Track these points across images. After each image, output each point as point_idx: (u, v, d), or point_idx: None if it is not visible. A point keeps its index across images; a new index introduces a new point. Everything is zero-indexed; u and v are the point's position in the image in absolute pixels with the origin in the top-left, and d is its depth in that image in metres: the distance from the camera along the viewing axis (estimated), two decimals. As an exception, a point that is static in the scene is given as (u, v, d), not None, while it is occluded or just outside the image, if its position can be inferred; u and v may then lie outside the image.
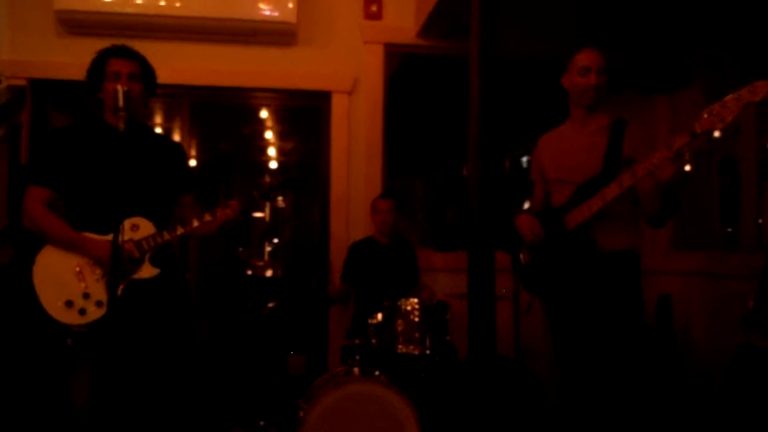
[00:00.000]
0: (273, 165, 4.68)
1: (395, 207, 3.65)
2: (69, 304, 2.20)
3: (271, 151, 4.70)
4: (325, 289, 3.92)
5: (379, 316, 3.00)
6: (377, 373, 2.66)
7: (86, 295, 2.22)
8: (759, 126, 3.54)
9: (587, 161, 2.37)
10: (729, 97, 1.98)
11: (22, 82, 3.74)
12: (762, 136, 3.56)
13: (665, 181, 2.12)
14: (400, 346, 2.92)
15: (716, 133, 2.08)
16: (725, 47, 3.70)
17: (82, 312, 2.20)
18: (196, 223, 2.31)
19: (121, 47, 2.36)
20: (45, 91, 3.84)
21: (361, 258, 3.67)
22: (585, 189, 2.33)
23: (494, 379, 2.80)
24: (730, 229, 3.88)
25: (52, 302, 2.20)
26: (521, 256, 2.62)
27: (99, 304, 2.21)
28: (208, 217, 2.32)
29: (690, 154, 4.03)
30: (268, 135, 4.67)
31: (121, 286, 2.18)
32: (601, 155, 2.35)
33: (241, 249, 4.47)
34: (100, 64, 2.32)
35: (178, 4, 3.66)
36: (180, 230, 2.30)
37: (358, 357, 2.81)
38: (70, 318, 2.20)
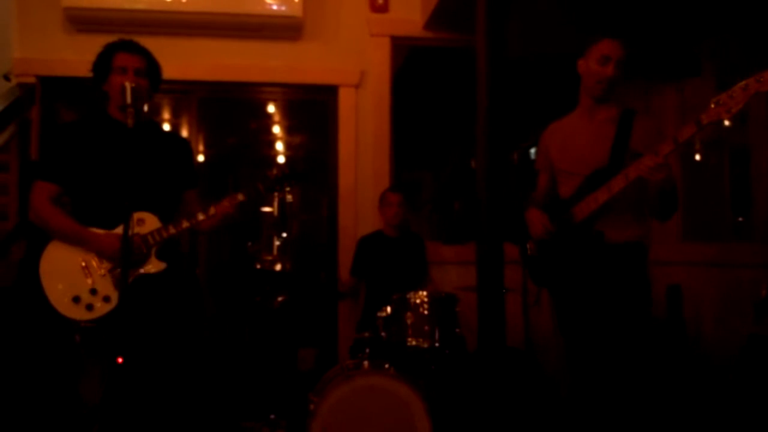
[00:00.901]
0: (281, 159, 4.69)
1: (404, 200, 3.66)
2: (76, 299, 2.21)
3: (279, 146, 4.70)
4: (334, 283, 3.93)
5: (389, 309, 3.01)
6: (387, 366, 2.67)
7: (93, 291, 2.23)
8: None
9: (595, 152, 2.35)
10: (736, 86, 1.95)
11: (32, 80, 3.77)
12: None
13: (656, 184, 2.13)
14: (409, 339, 2.92)
15: (726, 122, 2.05)
16: (735, 35, 3.66)
17: (90, 308, 2.21)
18: (201, 217, 2.32)
19: (128, 42, 2.36)
20: (54, 88, 3.86)
21: (370, 252, 3.67)
22: (592, 180, 2.32)
23: (503, 371, 2.80)
24: (741, 219, 3.85)
25: (59, 298, 2.21)
26: (528, 247, 2.61)
27: (106, 299, 2.22)
28: (212, 211, 2.33)
29: (699, 144, 4.00)
30: (276, 129, 4.68)
31: (129, 281, 2.19)
32: (608, 147, 2.33)
33: (250, 243, 4.48)
34: (106, 57, 2.33)
35: (184, 0, 3.67)
36: (185, 224, 2.30)
37: (367, 350, 2.82)
38: (78, 314, 2.21)
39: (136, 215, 2.26)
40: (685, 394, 3.24)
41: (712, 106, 1.99)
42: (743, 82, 1.94)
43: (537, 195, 2.67)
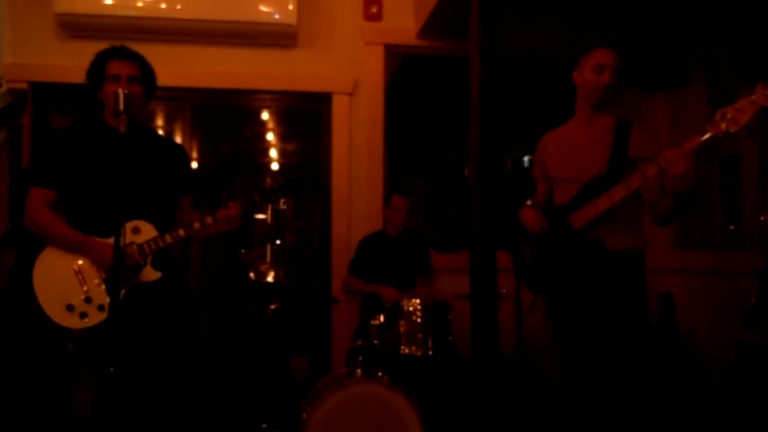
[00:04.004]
0: (275, 166, 4.69)
1: (410, 205, 3.71)
2: (70, 308, 2.19)
3: (273, 153, 4.70)
4: (327, 290, 3.92)
5: (382, 317, 3.00)
6: (380, 374, 2.66)
7: (88, 299, 2.21)
8: (760, 123, 3.53)
9: (593, 160, 2.36)
10: (743, 99, 1.95)
11: (23, 86, 3.74)
12: (764, 133, 3.56)
13: (677, 176, 2.07)
14: (402, 347, 2.92)
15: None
16: (726, 45, 3.69)
17: (83, 316, 2.19)
18: (197, 226, 2.31)
19: (120, 48, 2.34)
20: (46, 94, 3.84)
21: (372, 252, 3.68)
22: (590, 188, 2.33)
23: (497, 378, 2.79)
24: (732, 227, 3.88)
25: (52, 306, 2.19)
26: (524, 252, 2.62)
27: (101, 308, 2.20)
28: (209, 220, 2.32)
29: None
30: (270, 137, 4.68)
31: (123, 290, 2.18)
32: (606, 155, 2.34)
33: (243, 251, 4.47)
34: (99, 65, 2.32)
35: (178, 7, 3.67)
36: (182, 233, 2.29)
37: (361, 358, 2.81)
38: (71, 322, 2.19)
39: (132, 224, 2.25)
40: (678, 402, 3.25)
41: (718, 117, 1.99)
42: (751, 95, 1.93)
43: (535, 203, 2.67)
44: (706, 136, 2.02)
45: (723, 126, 1.98)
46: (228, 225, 2.33)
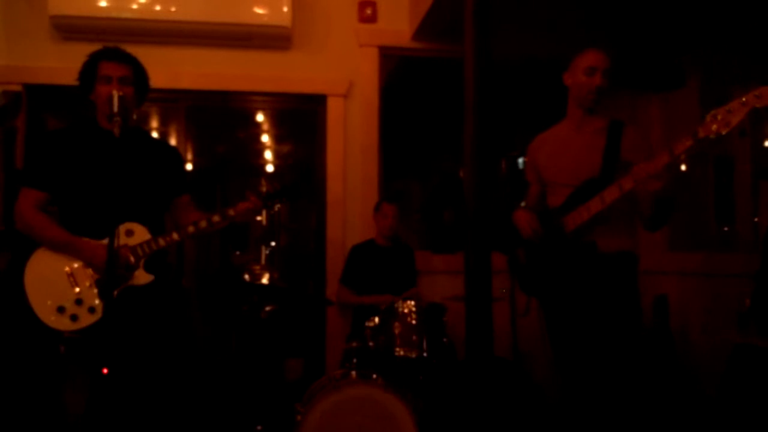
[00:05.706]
0: (269, 168, 4.68)
1: (399, 211, 3.70)
2: (61, 310, 2.18)
3: (267, 155, 4.70)
4: (322, 292, 3.91)
5: (377, 319, 3.00)
6: (375, 376, 2.65)
7: (79, 301, 2.20)
8: (753, 125, 3.55)
9: (585, 163, 2.37)
10: (734, 101, 1.96)
11: (18, 88, 3.74)
12: (757, 135, 3.58)
13: (654, 192, 2.12)
14: (397, 349, 2.92)
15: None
16: (719, 47, 3.71)
17: (74, 318, 2.19)
18: (191, 229, 2.30)
19: (112, 50, 2.33)
20: (41, 96, 3.83)
21: (362, 260, 3.68)
22: (583, 191, 2.33)
23: (491, 381, 2.79)
24: (726, 228, 3.89)
25: (43, 308, 2.18)
26: (519, 255, 2.62)
27: (92, 310, 2.20)
28: (217, 218, 2.32)
29: (684, 154, 4.02)
30: (264, 138, 4.67)
31: (115, 293, 2.17)
32: (599, 157, 2.34)
33: (238, 253, 4.47)
34: (91, 66, 2.31)
35: (173, 9, 3.67)
36: (175, 236, 2.29)
37: (355, 360, 2.81)
38: (62, 324, 2.18)
39: (125, 226, 2.24)
40: (673, 404, 3.25)
41: (709, 119, 1.99)
42: (741, 97, 1.94)
43: (528, 206, 2.67)
44: (697, 139, 2.03)
45: (714, 127, 1.99)
46: (245, 217, 2.35)
